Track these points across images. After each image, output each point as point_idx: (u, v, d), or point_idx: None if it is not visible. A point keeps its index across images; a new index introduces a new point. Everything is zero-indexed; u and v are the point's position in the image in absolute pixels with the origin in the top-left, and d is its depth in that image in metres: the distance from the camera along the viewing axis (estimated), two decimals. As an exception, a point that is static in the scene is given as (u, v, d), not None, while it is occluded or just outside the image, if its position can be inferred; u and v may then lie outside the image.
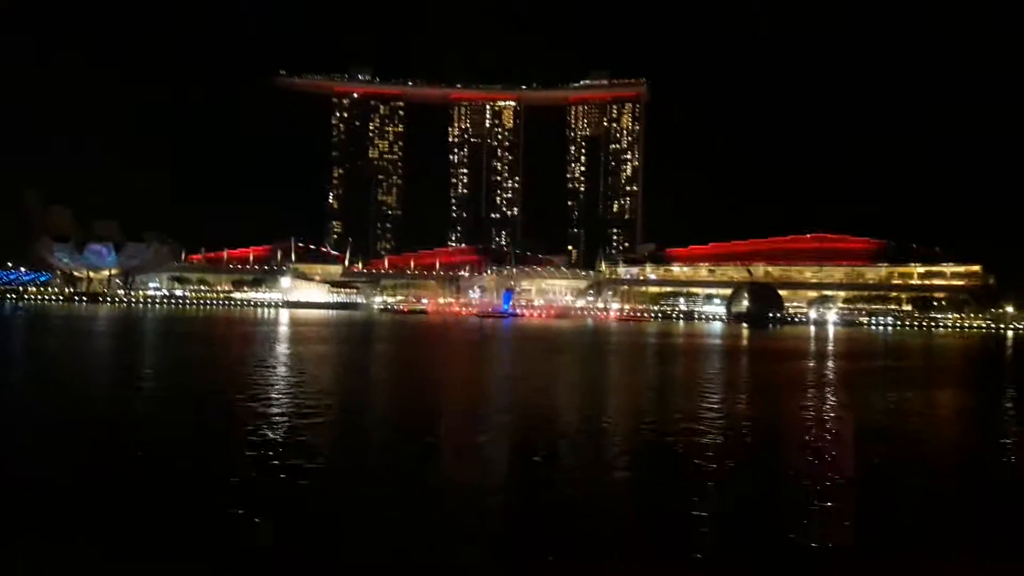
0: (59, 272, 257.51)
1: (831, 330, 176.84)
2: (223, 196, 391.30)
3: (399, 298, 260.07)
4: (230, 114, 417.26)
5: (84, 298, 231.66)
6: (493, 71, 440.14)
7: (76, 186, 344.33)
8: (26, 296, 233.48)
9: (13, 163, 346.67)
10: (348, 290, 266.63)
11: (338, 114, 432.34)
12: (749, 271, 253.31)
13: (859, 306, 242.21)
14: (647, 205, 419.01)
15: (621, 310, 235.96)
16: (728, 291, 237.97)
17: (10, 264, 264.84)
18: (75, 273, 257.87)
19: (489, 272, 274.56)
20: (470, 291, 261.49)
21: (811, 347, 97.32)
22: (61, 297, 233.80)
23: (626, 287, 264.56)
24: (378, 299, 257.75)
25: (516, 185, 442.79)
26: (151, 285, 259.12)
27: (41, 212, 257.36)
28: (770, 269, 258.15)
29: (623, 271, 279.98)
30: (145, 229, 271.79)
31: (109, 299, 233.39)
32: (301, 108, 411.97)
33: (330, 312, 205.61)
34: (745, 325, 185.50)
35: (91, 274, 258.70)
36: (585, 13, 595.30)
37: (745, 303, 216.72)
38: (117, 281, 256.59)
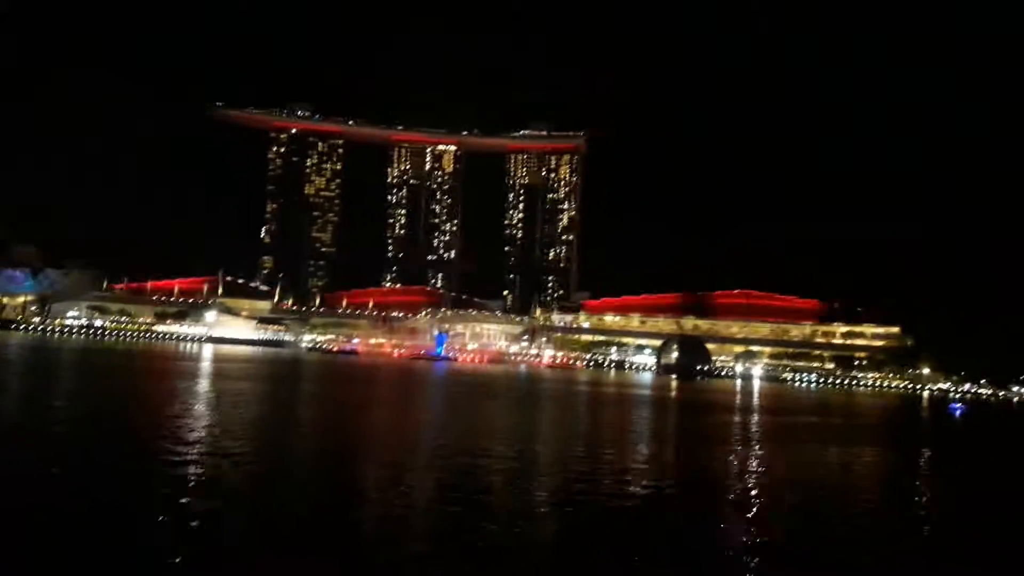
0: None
1: (756, 384, 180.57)
2: (151, 225, 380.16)
3: (329, 337, 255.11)
4: (164, 142, 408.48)
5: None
6: (434, 115, 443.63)
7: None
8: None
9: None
10: (276, 327, 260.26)
11: (275, 148, 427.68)
12: (679, 323, 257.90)
13: (784, 362, 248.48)
14: (582, 254, 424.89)
15: (554, 357, 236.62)
16: (659, 342, 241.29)
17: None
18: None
19: (423, 314, 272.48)
20: (402, 333, 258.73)
21: (737, 400, 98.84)
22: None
23: (560, 334, 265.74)
24: (307, 337, 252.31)
25: (454, 228, 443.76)
26: (69, 314, 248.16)
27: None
28: (699, 322, 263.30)
29: (557, 318, 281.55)
30: (67, 256, 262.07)
31: (23, 327, 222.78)
32: (238, 141, 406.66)
33: (256, 349, 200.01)
34: (674, 376, 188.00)
35: (5, 300, 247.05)
36: (525, 63, 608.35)
37: (675, 355, 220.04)
38: (32, 308, 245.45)
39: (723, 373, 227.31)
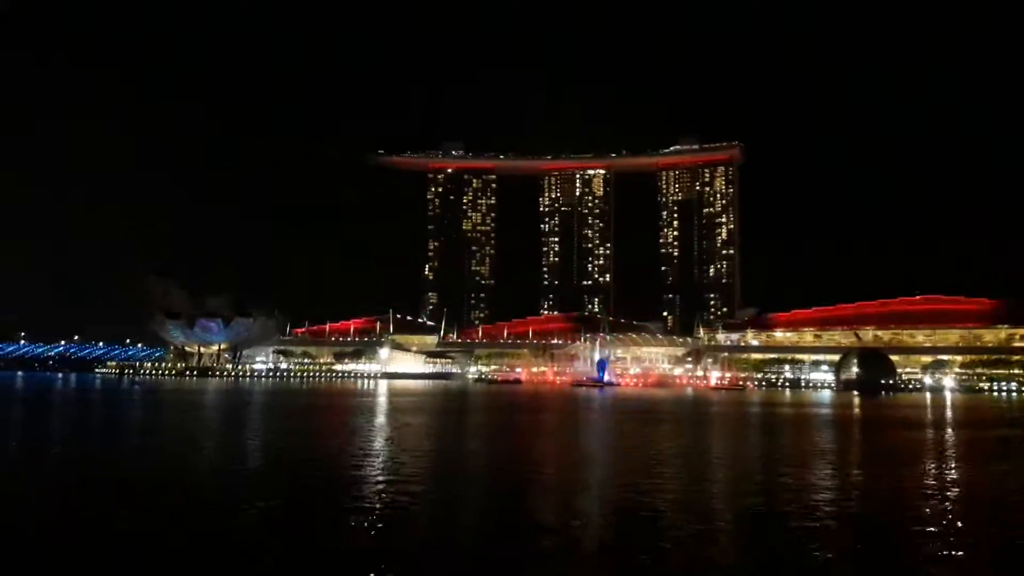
0: (172, 347, 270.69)
1: (948, 397, 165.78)
2: (326, 271, 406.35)
3: (493, 367, 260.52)
4: (331, 192, 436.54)
5: (194, 372, 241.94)
6: (582, 140, 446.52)
7: (191, 263, 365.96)
8: (141, 371, 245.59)
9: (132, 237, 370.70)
10: (443, 360, 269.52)
11: (433, 189, 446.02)
12: (857, 335, 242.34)
13: (978, 371, 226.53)
14: (744, 269, 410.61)
15: (722, 378, 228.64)
16: (835, 357, 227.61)
17: (128, 340, 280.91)
18: (187, 348, 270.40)
19: (583, 340, 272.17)
20: (563, 360, 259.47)
21: (928, 415, 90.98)
22: (173, 372, 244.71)
23: (726, 354, 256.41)
24: (472, 369, 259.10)
25: (608, 252, 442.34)
26: (258, 359, 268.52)
27: (158, 290, 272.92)
28: (879, 333, 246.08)
29: (723, 337, 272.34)
30: (253, 304, 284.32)
31: (218, 373, 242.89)
32: (399, 185, 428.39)
33: (426, 383, 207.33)
34: (856, 393, 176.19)
35: (202, 349, 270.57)
36: (674, 78, 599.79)
37: (855, 369, 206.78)
38: (226, 356, 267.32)
39: (910, 387, 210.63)
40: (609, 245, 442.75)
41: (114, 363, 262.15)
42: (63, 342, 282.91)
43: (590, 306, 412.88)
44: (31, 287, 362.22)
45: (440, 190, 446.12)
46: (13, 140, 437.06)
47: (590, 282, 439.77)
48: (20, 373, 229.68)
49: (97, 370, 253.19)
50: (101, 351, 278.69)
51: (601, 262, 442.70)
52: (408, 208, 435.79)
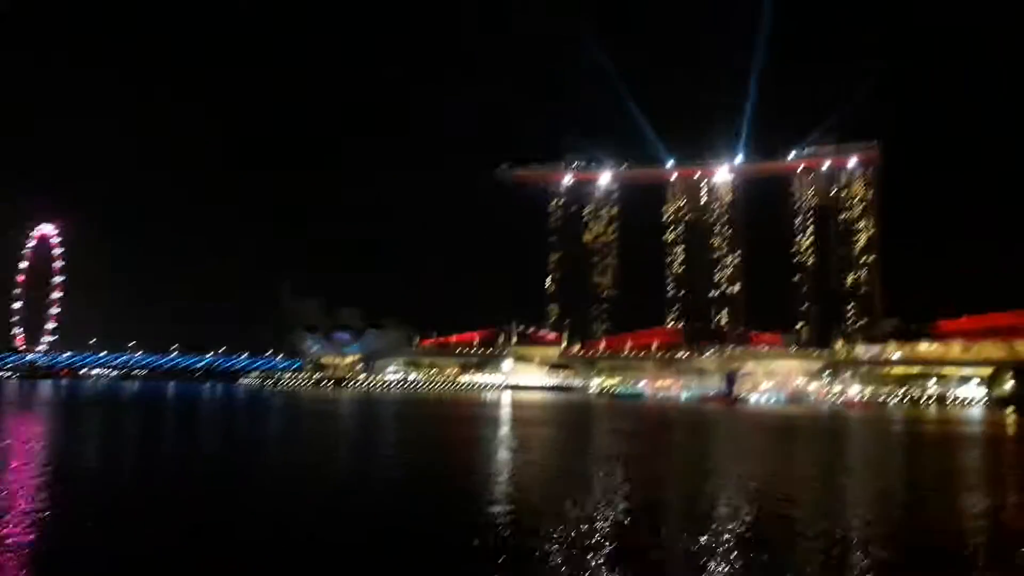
0: (310, 359, 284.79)
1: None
2: (454, 283, 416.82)
3: (616, 380, 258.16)
4: (457, 206, 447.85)
5: (331, 383, 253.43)
6: (707, 145, 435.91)
7: (324, 278, 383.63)
8: (282, 382, 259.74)
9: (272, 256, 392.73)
10: (566, 372, 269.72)
11: (555, 201, 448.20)
12: (1012, 347, 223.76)
13: None
14: (885, 277, 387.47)
15: (862, 393, 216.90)
16: (987, 371, 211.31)
17: (269, 352, 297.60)
18: (323, 360, 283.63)
19: (710, 353, 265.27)
20: (690, 373, 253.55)
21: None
22: (311, 382, 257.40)
23: (866, 368, 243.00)
24: (595, 381, 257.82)
25: (737, 260, 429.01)
26: (389, 370, 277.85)
27: (294, 304, 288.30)
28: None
29: (862, 350, 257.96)
30: (384, 315, 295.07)
31: (353, 383, 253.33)
32: (522, 197, 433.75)
33: (548, 395, 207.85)
34: (1011, 410, 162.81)
35: (337, 360, 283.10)
36: (805, 77, 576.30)
37: (1009, 384, 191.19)
38: (359, 367, 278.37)
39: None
40: (739, 253, 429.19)
41: (256, 374, 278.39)
42: (211, 354, 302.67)
43: (718, 317, 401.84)
44: (179, 303, 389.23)
45: (562, 201, 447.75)
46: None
47: (718, 292, 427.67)
48: (172, 383, 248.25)
49: (241, 381, 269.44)
50: (244, 362, 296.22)
51: (730, 271, 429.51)
52: (531, 219, 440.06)
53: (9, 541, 20.87)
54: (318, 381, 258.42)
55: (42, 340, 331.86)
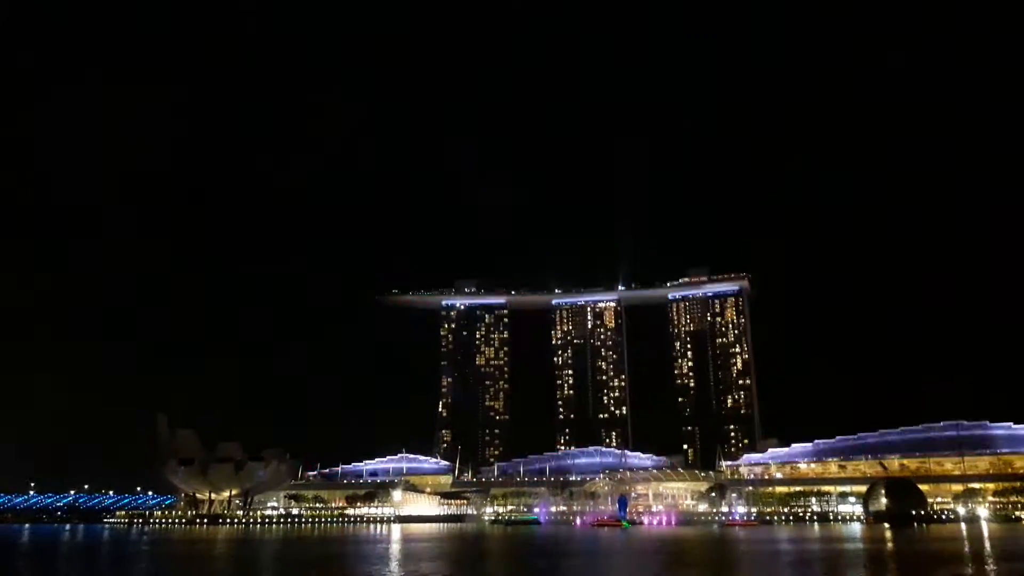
0: (183, 494, 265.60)
1: (984, 527, 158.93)
2: (339, 410, 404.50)
3: (510, 508, 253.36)
4: (341, 330, 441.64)
5: (205, 520, 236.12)
6: (592, 274, 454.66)
7: (200, 407, 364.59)
8: (151, 520, 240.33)
9: (140, 388, 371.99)
10: (458, 501, 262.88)
11: (446, 325, 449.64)
12: (883, 465, 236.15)
13: (1013, 499, 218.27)
14: (762, 399, 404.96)
15: (748, 513, 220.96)
16: (862, 488, 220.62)
17: (139, 488, 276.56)
18: (197, 495, 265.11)
19: (601, 477, 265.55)
20: (583, 498, 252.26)
21: (966, 548, 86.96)
22: (184, 520, 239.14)
23: (751, 488, 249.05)
24: (488, 510, 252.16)
25: (622, 384, 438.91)
26: (269, 504, 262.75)
27: (168, 437, 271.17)
28: (905, 462, 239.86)
29: (746, 471, 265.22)
30: (264, 447, 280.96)
31: (229, 520, 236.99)
32: (411, 323, 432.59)
33: (441, 526, 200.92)
34: (887, 525, 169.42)
35: (212, 495, 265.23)
36: (680, 214, 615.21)
37: (883, 500, 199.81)
38: (237, 502, 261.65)
39: (942, 517, 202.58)
40: (624, 377, 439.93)
41: (124, 512, 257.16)
42: (72, 491, 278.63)
43: (607, 440, 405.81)
44: (39, 433, 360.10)
45: (453, 326, 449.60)
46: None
47: (606, 415, 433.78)
48: (27, 526, 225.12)
49: (106, 520, 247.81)
50: (111, 500, 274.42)
51: (617, 394, 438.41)
52: (421, 345, 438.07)
53: None
54: (192, 519, 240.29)
55: None
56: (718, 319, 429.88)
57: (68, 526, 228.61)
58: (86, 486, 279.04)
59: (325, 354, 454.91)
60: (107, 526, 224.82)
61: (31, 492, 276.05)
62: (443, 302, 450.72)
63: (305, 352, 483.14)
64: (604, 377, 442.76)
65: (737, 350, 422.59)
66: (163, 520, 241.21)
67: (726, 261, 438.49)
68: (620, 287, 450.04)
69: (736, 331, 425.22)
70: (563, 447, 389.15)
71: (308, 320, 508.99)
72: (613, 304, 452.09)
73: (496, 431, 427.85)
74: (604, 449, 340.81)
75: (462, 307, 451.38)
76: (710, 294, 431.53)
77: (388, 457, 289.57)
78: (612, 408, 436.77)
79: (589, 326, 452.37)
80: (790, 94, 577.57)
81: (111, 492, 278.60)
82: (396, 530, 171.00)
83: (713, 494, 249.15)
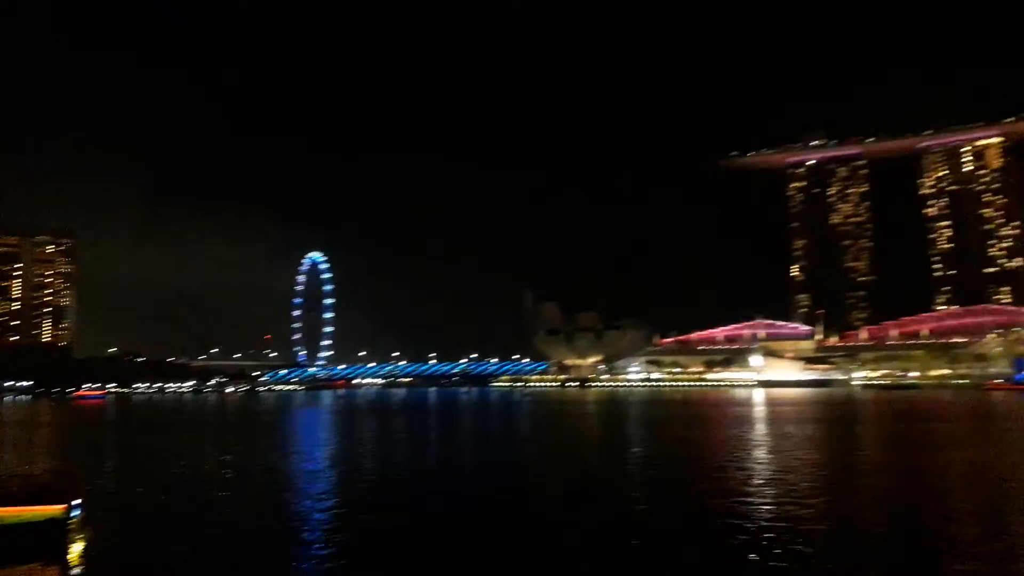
0: (554, 361, 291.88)
1: None
2: (689, 279, 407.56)
3: (883, 372, 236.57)
4: (684, 201, 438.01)
5: (576, 383, 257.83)
6: (967, 109, 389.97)
7: (560, 282, 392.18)
8: (528, 383, 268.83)
9: (512, 266, 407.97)
10: (824, 366, 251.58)
11: (794, 184, 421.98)
12: None
13: None
14: None
15: None
16: None
17: (516, 356, 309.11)
18: (566, 361, 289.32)
19: (991, 336, 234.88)
20: (969, 360, 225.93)
21: None
22: (556, 383, 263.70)
23: None
24: (858, 374, 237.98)
25: (1016, 232, 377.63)
26: (630, 369, 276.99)
27: (535, 310, 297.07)
28: None
29: None
30: (621, 316, 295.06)
31: (595, 383, 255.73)
32: (754, 185, 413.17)
33: (806, 391, 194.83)
34: None
35: (579, 361, 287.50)
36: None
37: None
38: (600, 367, 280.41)
39: None
40: (1017, 224, 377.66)
41: (506, 377, 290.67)
42: (463, 360, 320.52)
43: (995, 297, 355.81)
44: (434, 315, 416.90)
45: (803, 184, 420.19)
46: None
47: (996, 268, 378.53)
48: (432, 389, 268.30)
49: (492, 383, 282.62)
50: (495, 366, 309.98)
51: (1010, 243, 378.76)
52: (767, 207, 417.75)
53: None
54: (563, 382, 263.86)
55: (320, 356, 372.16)
56: None
57: (464, 388, 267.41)
58: (474, 355, 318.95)
59: (666, 220, 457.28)
60: (493, 388, 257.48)
61: (432, 361, 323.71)
62: (788, 159, 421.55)
63: (647, 217, 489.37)
64: (990, 226, 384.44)
65: None
66: (539, 383, 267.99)
67: None
68: (1006, 119, 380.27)
69: None
70: (941, 307, 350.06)
71: (648, 186, 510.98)
72: (998, 140, 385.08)
73: (861, 293, 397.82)
74: (992, 307, 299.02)
75: (812, 162, 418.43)
76: None
77: (744, 323, 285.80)
78: (1001, 260, 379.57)
79: (967, 169, 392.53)
80: None
81: (495, 360, 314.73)
82: (759, 393, 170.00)
83: None
